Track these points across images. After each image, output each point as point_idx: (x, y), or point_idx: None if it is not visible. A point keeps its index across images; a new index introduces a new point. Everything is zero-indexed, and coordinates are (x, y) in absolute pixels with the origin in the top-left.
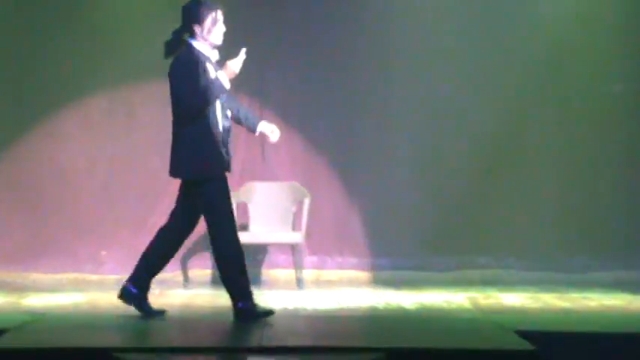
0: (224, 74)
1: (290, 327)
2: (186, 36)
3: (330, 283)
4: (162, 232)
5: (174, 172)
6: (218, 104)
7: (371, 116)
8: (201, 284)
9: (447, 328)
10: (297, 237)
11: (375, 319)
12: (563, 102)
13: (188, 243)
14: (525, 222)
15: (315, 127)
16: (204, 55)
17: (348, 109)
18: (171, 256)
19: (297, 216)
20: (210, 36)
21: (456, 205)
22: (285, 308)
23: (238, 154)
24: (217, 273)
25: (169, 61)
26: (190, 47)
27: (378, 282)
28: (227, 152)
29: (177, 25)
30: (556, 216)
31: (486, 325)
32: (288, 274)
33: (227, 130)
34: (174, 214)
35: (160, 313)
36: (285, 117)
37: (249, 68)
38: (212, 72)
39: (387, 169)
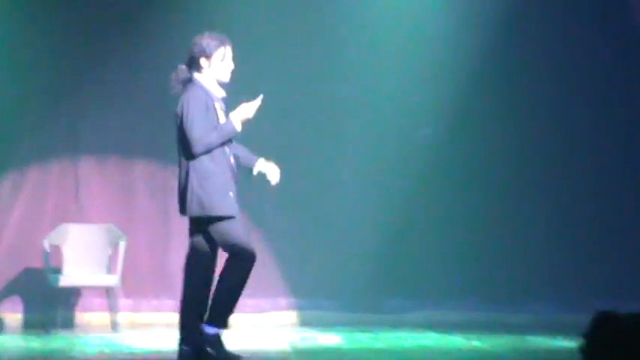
0: (237, 116)
1: None
2: (192, 70)
3: (145, 325)
4: (195, 275)
5: (183, 209)
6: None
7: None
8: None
9: None
10: (112, 280)
11: None
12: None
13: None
14: (337, 263)
15: (132, 169)
16: (210, 92)
17: (163, 146)
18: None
19: (112, 258)
20: (216, 72)
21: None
22: (102, 352)
23: (51, 194)
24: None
25: None
26: (197, 83)
27: None
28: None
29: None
30: (368, 258)
31: None
32: (103, 317)
33: (235, 168)
34: (197, 252)
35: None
36: (100, 157)
37: None
38: (220, 112)
39: None
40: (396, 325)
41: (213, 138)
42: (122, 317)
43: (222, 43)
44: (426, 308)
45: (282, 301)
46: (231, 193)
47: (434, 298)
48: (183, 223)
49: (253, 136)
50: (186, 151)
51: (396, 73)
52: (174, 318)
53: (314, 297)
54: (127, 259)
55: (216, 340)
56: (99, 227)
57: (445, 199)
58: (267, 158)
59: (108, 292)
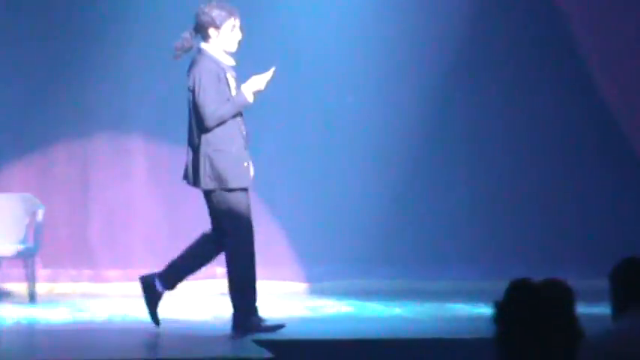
0: (249, 88)
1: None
2: (198, 39)
3: (64, 296)
4: (204, 239)
5: (197, 181)
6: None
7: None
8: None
9: (187, 339)
10: (29, 249)
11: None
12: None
13: None
14: (281, 232)
15: (50, 138)
16: (220, 62)
17: (81, 114)
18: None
19: (30, 228)
20: (225, 42)
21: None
22: (19, 322)
23: None
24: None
25: None
26: (206, 53)
27: (116, 293)
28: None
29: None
30: (301, 225)
31: (225, 335)
32: (21, 287)
33: (247, 140)
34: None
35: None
36: (17, 127)
37: None
38: (232, 81)
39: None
40: (319, 293)
41: (226, 110)
42: (40, 287)
43: (231, 14)
44: (350, 276)
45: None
46: (245, 164)
47: (357, 266)
48: (103, 191)
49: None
50: (199, 123)
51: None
52: (93, 288)
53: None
54: (45, 229)
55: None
56: (16, 196)
57: (365, 169)
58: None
59: (25, 262)
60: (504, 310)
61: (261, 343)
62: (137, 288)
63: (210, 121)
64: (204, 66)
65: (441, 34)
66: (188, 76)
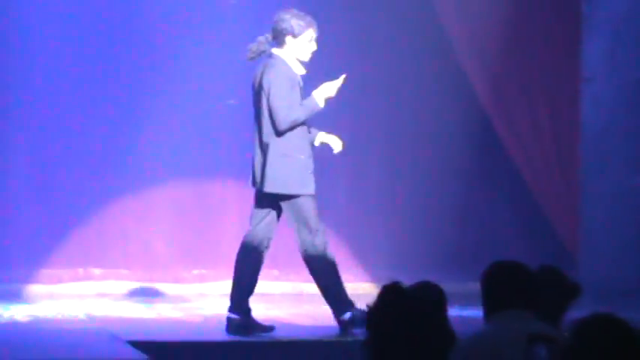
0: (320, 94)
1: None
2: (273, 44)
3: None
4: (247, 248)
5: (262, 184)
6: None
7: None
8: None
9: (60, 341)
10: None
11: None
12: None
13: None
14: (137, 233)
15: None
16: (292, 69)
17: None
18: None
19: None
20: (300, 52)
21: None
22: None
23: None
24: None
25: None
26: (279, 59)
27: None
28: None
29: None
30: (167, 228)
31: (99, 337)
32: None
33: (312, 145)
34: (256, 228)
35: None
36: None
37: None
38: (300, 90)
39: None
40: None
41: (298, 115)
42: None
43: (310, 26)
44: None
45: (83, 272)
46: (310, 172)
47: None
48: None
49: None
50: (270, 126)
51: None
52: None
53: (115, 268)
54: None
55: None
56: None
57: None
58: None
59: None
60: (375, 313)
61: (137, 345)
62: (12, 289)
63: (283, 125)
64: (280, 71)
65: None
66: (260, 79)
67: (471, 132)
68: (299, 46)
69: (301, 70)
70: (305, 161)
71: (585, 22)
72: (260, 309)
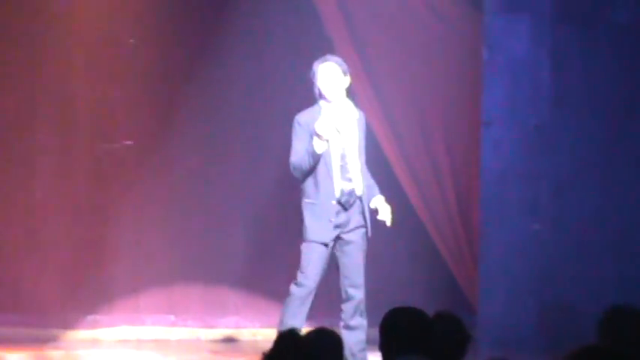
0: (317, 139)
1: None
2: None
3: None
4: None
5: None
6: (334, 166)
7: None
8: None
9: None
10: None
11: None
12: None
13: None
14: (25, 276)
15: None
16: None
17: None
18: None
19: None
20: (324, 90)
21: None
22: None
23: None
24: None
25: None
26: (314, 108)
27: None
28: (336, 218)
29: None
30: (57, 270)
31: None
32: None
33: (347, 194)
34: None
35: None
36: None
37: None
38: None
39: None
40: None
41: (294, 160)
42: None
43: (321, 61)
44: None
45: None
46: (318, 220)
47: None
48: None
49: None
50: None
51: None
52: None
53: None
54: None
55: None
56: None
57: None
58: None
59: None
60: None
61: None
62: None
63: (292, 171)
64: (300, 116)
65: None
66: None
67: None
68: (321, 91)
69: (340, 109)
70: (316, 208)
71: (486, 67)
72: (156, 356)
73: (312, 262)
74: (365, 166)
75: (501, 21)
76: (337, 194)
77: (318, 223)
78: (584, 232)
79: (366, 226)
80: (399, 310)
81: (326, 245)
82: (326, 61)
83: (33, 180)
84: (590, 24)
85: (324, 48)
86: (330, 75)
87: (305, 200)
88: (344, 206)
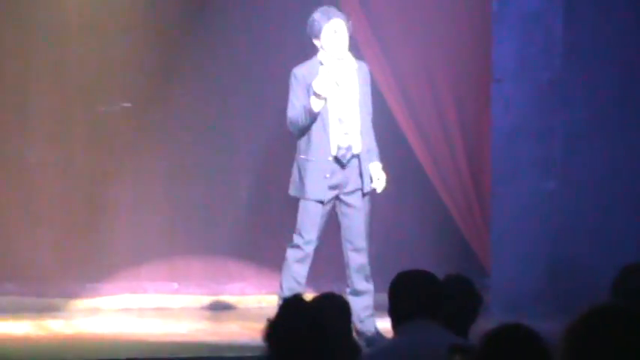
0: (314, 97)
1: None
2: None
3: None
4: None
5: None
6: (331, 121)
7: None
8: None
9: None
10: None
11: None
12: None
13: None
14: (23, 244)
15: None
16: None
17: None
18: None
19: None
20: (330, 49)
21: None
22: None
23: None
24: None
25: None
26: (312, 62)
27: None
28: (333, 176)
29: None
30: (56, 238)
31: None
32: None
33: (345, 149)
34: None
35: None
36: None
37: None
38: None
39: None
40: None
41: (291, 115)
42: None
43: (328, 18)
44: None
45: None
46: (311, 176)
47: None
48: None
49: None
50: None
51: None
52: None
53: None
54: None
55: None
56: None
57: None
58: None
59: None
60: (276, 327)
61: None
62: None
63: (288, 126)
64: (297, 70)
65: None
66: None
67: (379, 138)
68: (327, 45)
69: (341, 65)
70: (311, 165)
71: (495, 20)
72: (158, 324)
73: (306, 221)
74: (370, 124)
75: None
76: (333, 150)
77: (312, 180)
78: (600, 189)
79: (362, 185)
80: (407, 273)
81: (322, 203)
82: (331, 18)
83: (28, 146)
84: None
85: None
86: (338, 33)
87: (300, 156)
88: (340, 162)
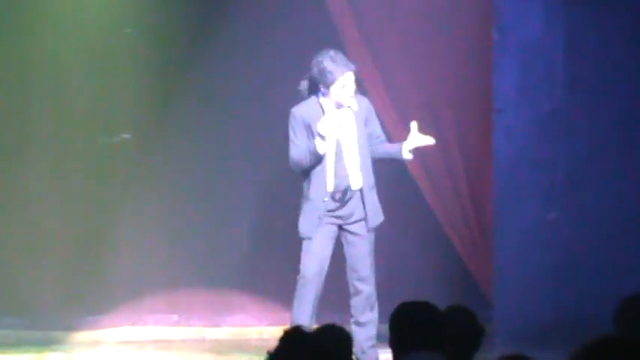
0: (319, 139)
1: None
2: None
3: None
4: None
5: None
6: (328, 162)
7: None
8: None
9: None
10: None
11: None
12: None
13: None
14: (23, 277)
15: None
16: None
17: None
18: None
19: None
20: (337, 98)
21: None
22: None
23: None
24: None
25: None
26: (311, 102)
27: None
28: (326, 215)
29: None
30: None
31: None
32: None
33: (342, 191)
34: None
35: None
36: None
37: None
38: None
39: None
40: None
41: (292, 153)
42: None
43: (342, 72)
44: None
45: None
46: (310, 216)
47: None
48: None
49: None
50: None
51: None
52: None
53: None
54: None
55: None
56: None
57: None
58: None
59: None
60: (278, 359)
61: None
62: None
63: (291, 166)
64: (298, 110)
65: None
66: None
67: (382, 168)
68: (334, 95)
69: (345, 110)
70: (310, 204)
71: (496, 49)
72: (159, 357)
73: (307, 256)
74: (370, 161)
75: (512, 0)
76: (330, 190)
77: (306, 219)
78: (602, 218)
79: (366, 219)
80: (408, 304)
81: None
82: (345, 72)
83: (29, 177)
84: (605, 3)
85: (329, 38)
86: (347, 87)
87: (302, 195)
88: (339, 202)
